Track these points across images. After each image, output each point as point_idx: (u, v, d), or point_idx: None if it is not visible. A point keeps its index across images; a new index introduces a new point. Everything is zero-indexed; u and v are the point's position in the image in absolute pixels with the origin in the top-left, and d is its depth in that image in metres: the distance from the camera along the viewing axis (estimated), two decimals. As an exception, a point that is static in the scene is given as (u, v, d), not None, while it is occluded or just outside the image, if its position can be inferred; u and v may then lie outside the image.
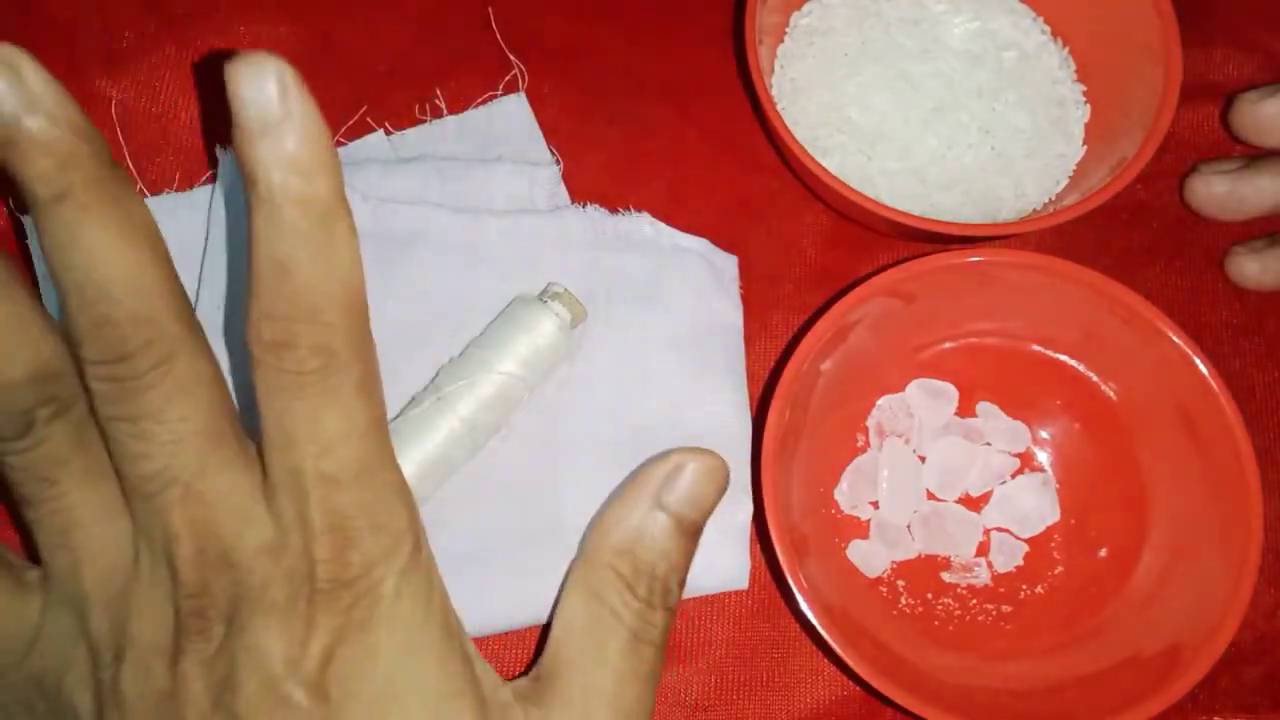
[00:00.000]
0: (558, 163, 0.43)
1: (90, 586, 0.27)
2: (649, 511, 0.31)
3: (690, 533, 0.31)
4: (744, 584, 0.39)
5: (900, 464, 0.41)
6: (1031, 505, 0.41)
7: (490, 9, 0.46)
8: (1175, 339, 0.37)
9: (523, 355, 0.38)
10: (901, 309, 0.40)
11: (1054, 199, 0.43)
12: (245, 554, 0.26)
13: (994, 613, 0.40)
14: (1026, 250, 0.39)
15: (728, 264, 0.42)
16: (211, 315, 0.38)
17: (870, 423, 0.42)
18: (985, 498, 0.41)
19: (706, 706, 0.39)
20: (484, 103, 0.44)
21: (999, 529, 0.41)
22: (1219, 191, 0.43)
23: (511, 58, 0.45)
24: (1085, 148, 0.44)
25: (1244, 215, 0.44)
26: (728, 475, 0.32)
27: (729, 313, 0.42)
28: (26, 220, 0.40)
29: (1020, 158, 0.43)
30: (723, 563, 0.38)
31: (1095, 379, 0.41)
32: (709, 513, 0.32)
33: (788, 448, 0.38)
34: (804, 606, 0.34)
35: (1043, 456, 0.42)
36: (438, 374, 0.39)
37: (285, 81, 0.25)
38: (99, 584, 0.27)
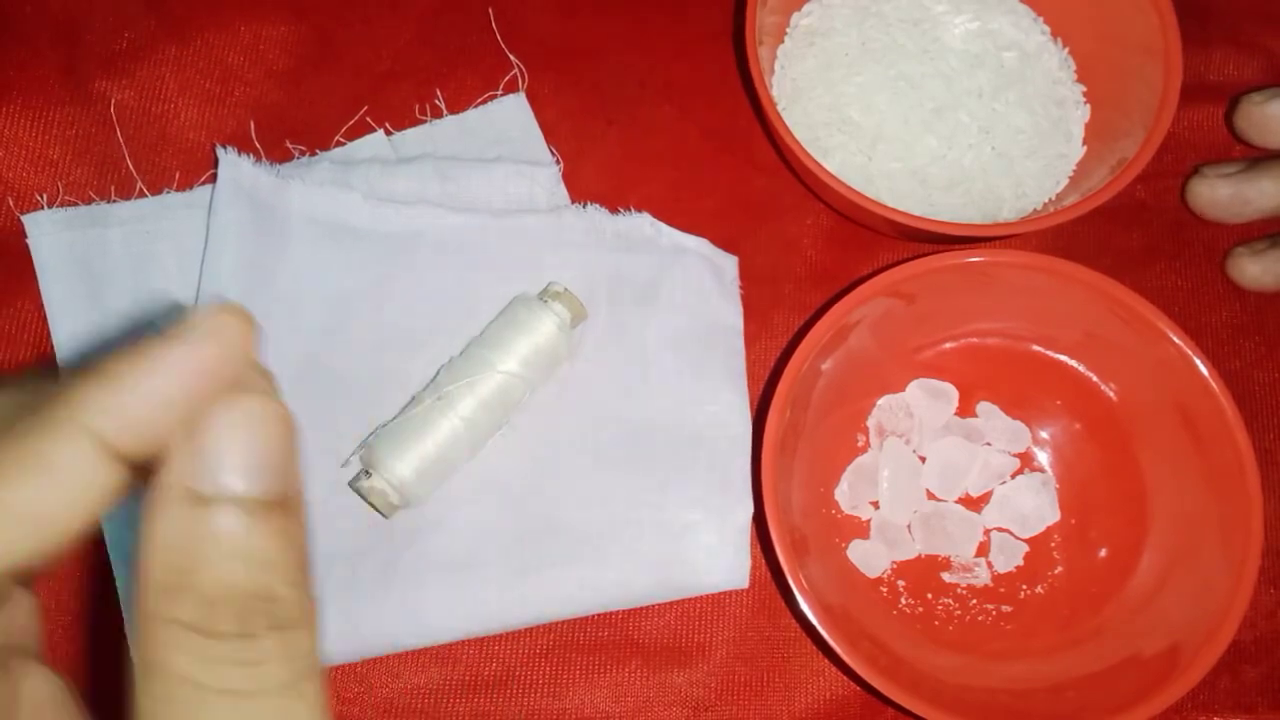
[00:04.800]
0: (558, 163, 0.43)
1: None
2: (182, 516, 0.18)
3: (267, 509, 0.18)
4: (744, 583, 0.39)
5: (900, 464, 0.41)
6: (1031, 505, 0.41)
7: (490, 9, 0.46)
8: (1175, 339, 0.37)
9: (523, 355, 0.38)
10: (901, 309, 0.39)
11: (1054, 199, 0.43)
12: None
13: (994, 613, 0.40)
14: (1027, 250, 0.39)
15: (728, 264, 0.42)
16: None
17: (870, 423, 0.42)
18: (985, 498, 0.41)
19: (707, 706, 0.39)
20: (484, 103, 0.44)
21: (999, 529, 0.41)
22: (1222, 194, 0.43)
23: (511, 58, 0.45)
24: (1085, 148, 0.44)
25: (1246, 218, 0.44)
26: (278, 408, 0.19)
27: (729, 312, 0.42)
28: (27, 219, 0.40)
29: (1020, 158, 0.43)
30: (723, 562, 0.38)
31: (1095, 379, 0.41)
32: (282, 468, 0.19)
33: (788, 448, 0.38)
34: (804, 606, 0.34)
35: (1043, 457, 0.42)
36: (438, 373, 0.39)
37: None
38: None
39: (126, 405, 0.18)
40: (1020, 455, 0.42)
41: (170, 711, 0.17)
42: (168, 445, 0.18)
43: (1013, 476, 0.41)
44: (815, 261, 0.44)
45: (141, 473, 0.18)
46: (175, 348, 0.19)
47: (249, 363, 0.19)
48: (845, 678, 0.40)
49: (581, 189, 0.43)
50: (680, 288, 0.41)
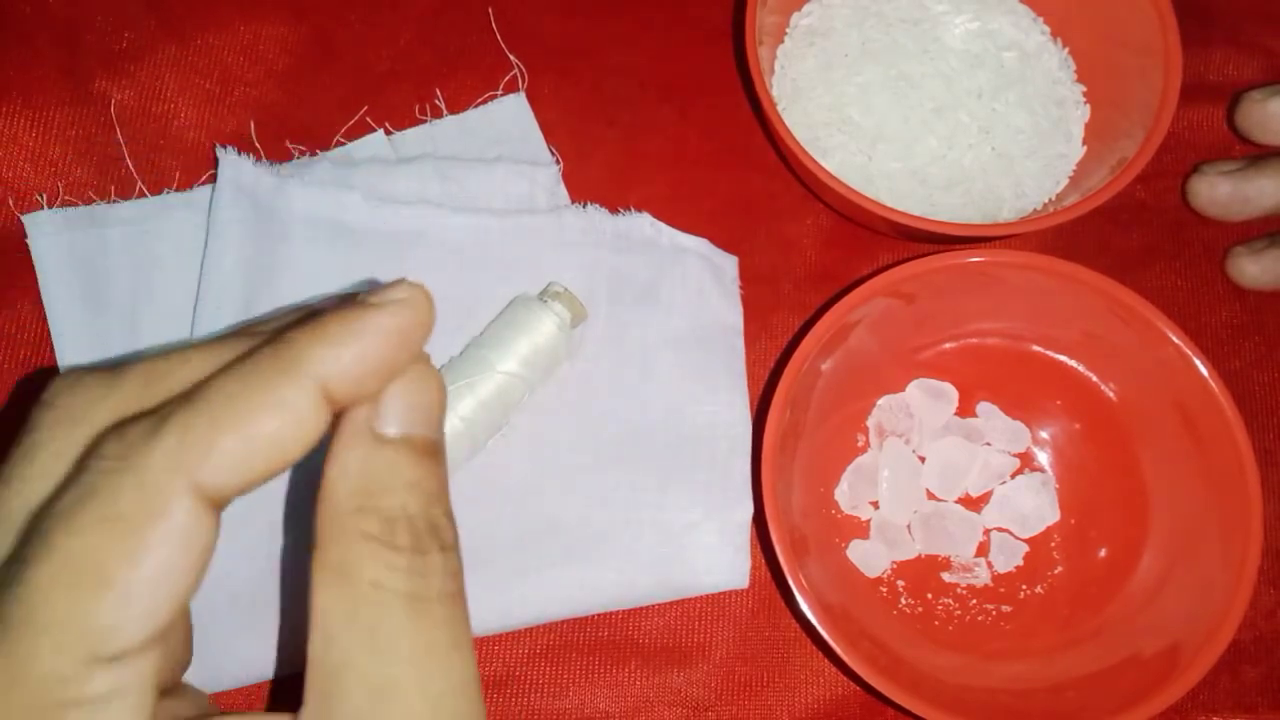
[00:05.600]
0: (558, 162, 0.43)
1: None
2: (369, 451, 0.23)
3: (430, 452, 0.24)
4: (744, 583, 0.39)
5: (900, 464, 0.41)
6: (1031, 505, 0.41)
7: (490, 9, 0.46)
8: (1175, 339, 0.37)
9: (523, 355, 0.38)
10: (901, 309, 0.40)
11: (1054, 199, 0.43)
12: None
13: (994, 613, 0.40)
14: (1026, 250, 0.39)
15: (728, 264, 0.42)
16: (211, 315, 0.38)
17: (870, 423, 0.42)
18: (985, 498, 0.41)
19: (707, 706, 0.39)
20: (484, 103, 0.44)
21: (999, 529, 0.41)
22: (1222, 193, 0.43)
23: (511, 58, 0.45)
24: (1085, 148, 0.44)
25: (1246, 216, 0.44)
26: (438, 377, 0.24)
27: (729, 313, 0.42)
28: (27, 219, 0.40)
29: (1020, 158, 0.43)
30: (723, 562, 0.38)
31: (1095, 379, 0.41)
32: (439, 423, 0.24)
33: (788, 448, 0.38)
34: (804, 606, 0.34)
35: (1043, 457, 0.42)
36: (438, 374, 0.39)
37: None
38: None
39: (344, 361, 0.22)
40: (1020, 455, 0.42)
41: (361, 610, 0.21)
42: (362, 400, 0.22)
43: (1013, 476, 0.41)
44: (815, 261, 0.44)
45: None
46: (384, 316, 0.22)
47: (429, 332, 0.23)
48: (845, 678, 0.40)
49: (581, 189, 0.43)
50: (680, 288, 0.41)
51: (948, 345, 0.42)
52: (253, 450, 0.21)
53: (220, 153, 0.40)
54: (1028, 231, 0.41)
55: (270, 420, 0.21)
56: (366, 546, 0.21)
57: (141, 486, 0.20)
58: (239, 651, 0.36)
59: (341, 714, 0.21)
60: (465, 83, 0.44)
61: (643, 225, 0.42)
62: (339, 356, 0.22)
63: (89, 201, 0.41)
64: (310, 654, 0.21)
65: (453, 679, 0.21)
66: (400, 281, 0.23)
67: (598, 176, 0.44)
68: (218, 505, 0.21)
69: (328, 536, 0.22)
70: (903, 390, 0.42)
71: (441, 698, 0.21)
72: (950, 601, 0.40)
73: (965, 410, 0.42)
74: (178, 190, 0.42)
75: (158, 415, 0.21)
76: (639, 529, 0.39)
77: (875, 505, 0.41)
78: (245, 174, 0.40)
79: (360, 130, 0.43)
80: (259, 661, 0.37)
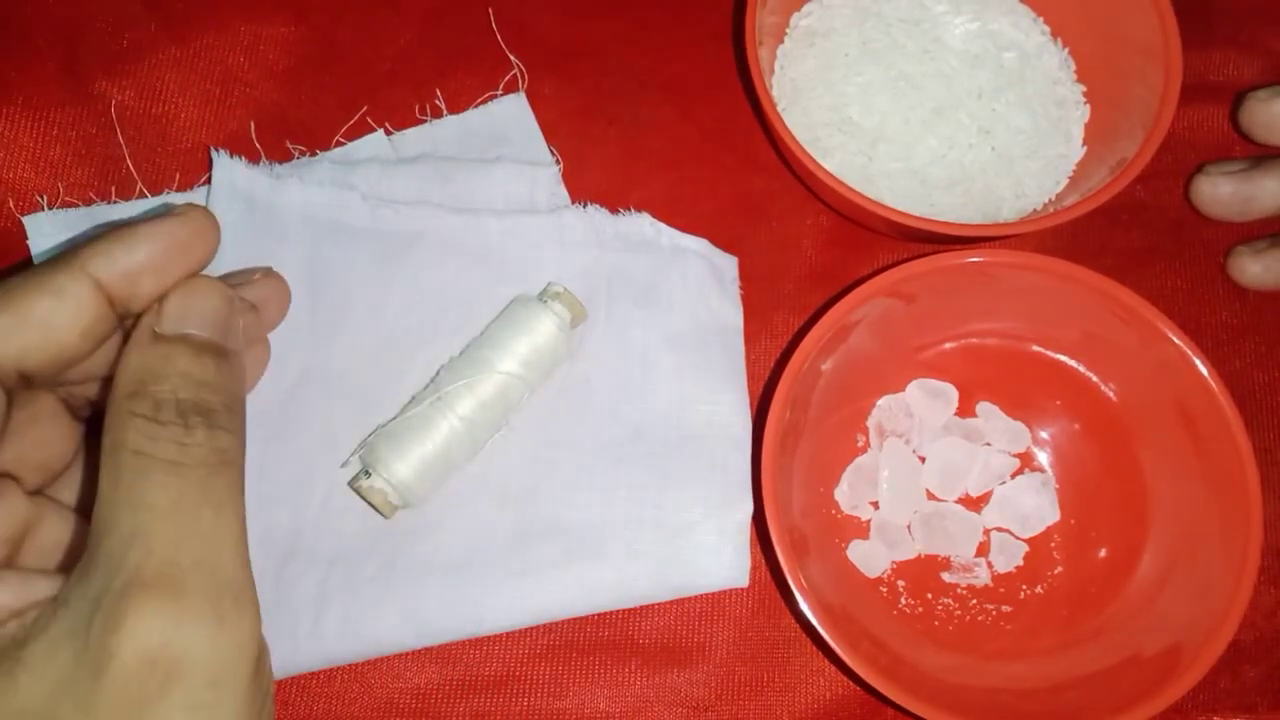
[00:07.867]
0: (558, 163, 0.43)
1: None
2: (147, 348, 0.27)
3: (206, 350, 0.27)
4: (744, 583, 0.39)
5: (900, 464, 0.41)
6: (1031, 505, 0.41)
7: (490, 9, 0.46)
8: (1175, 339, 0.37)
9: (523, 355, 0.38)
10: (901, 309, 0.40)
11: (1054, 199, 0.43)
12: None
13: (994, 613, 0.40)
14: (1026, 250, 0.39)
15: (728, 264, 0.42)
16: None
17: (870, 423, 0.42)
18: (985, 498, 0.41)
19: (707, 706, 0.39)
20: (484, 103, 0.44)
21: (999, 529, 0.41)
22: (1225, 193, 0.43)
23: (512, 58, 0.45)
24: (1085, 148, 0.44)
25: (1250, 217, 0.44)
26: (219, 289, 0.29)
27: (729, 313, 0.42)
28: (28, 220, 0.40)
29: (1020, 158, 0.43)
30: (723, 562, 0.38)
31: (1095, 379, 0.41)
32: (219, 328, 0.28)
33: (788, 448, 0.38)
34: (804, 607, 0.34)
35: (1043, 457, 0.42)
36: (438, 374, 0.39)
37: None
38: None
39: (117, 260, 0.27)
40: (1020, 455, 0.42)
41: (123, 475, 0.24)
42: (141, 299, 0.27)
43: (1013, 476, 0.41)
44: (815, 261, 0.44)
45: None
46: (158, 226, 0.28)
47: (208, 246, 0.29)
48: (845, 678, 0.40)
49: (582, 189, 0.43)
50: (680, 288, 0.41)
51: (948, 345, 0.42)
52: (24, 326, 0.25)
53: (214, 155, 0.40)
54: (1028, 231, 0.41)
55: (41, 302, 0.26)
56: (134, 423, 0.25)
57: None
58: None
59: (100, 560, 0.24)
60: (465, 83, 0.44)
61: (643, 225, 0.42)
62: (112, 255, 0.27)
63: (89, 202, 0.42)
64: (92, 521, 0.25)
65: (200, 529, 0.24)
66: (185, 205, 0.29)
67: (598, 176, 0.44)
68: (2, 383, 0.26)
69: (108, 422, 0.25)
70: (903, 390, 0.42)
71: (183, 543, 0.24)
72: (950, 602, 0.40)
73: (965, 410, 0.42)
74: (178, 191, 0.42)
75: None
76: (639, 529, 0.39)
77: (875, 505, 0.41)
78: (239, 176, 0.40)
79: (360, 130, 0.43)
80: None
